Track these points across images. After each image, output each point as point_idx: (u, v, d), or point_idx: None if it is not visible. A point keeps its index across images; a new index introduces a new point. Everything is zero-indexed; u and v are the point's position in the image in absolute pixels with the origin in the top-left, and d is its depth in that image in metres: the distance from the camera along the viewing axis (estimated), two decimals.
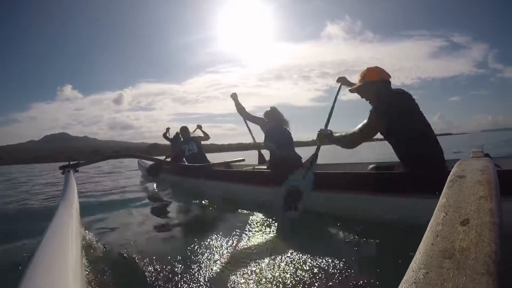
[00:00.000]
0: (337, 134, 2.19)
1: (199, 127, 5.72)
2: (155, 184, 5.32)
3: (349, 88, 2.26)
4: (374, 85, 2.05)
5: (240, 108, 3.52)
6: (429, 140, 1.96)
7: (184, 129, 5.15)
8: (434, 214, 0.54)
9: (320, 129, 2.30)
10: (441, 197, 0.61)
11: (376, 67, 2.12)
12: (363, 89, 2.12)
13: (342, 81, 2.73)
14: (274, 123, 3.22)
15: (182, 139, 5.12)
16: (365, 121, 1.99)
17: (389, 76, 2.09)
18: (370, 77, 2.07)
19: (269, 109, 3.35)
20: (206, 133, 5.44)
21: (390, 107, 1.95)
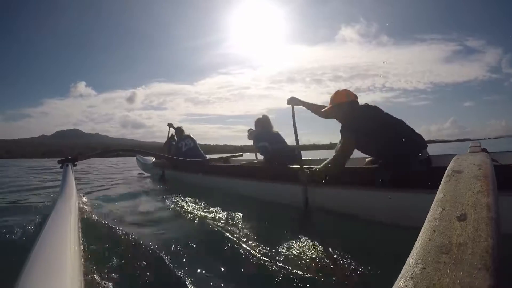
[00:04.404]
0: (319, 167, 2.19)
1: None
2: (153, 179, 5.32)
3: (321, 111, 2.40)
4: (341, 106, 2.22)
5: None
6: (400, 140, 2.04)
7: (180, 129, 5.39)
8: (431, 209, 0.54)
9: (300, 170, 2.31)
10: (438, 192, 0.61)
11: (344, 90, 2.28)
12: (331, 111, 2.29)
13: (292, 102, 2.64)
14: (260, 129, 3.37)
15: (176, 139, 5.29)
16: (340, 142, 2.11)
17: (355, 96, 2.25)
18: (338, 100, 2.24)
19: (261, 116, 3.46)
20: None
21: (356, 120, 2.11)
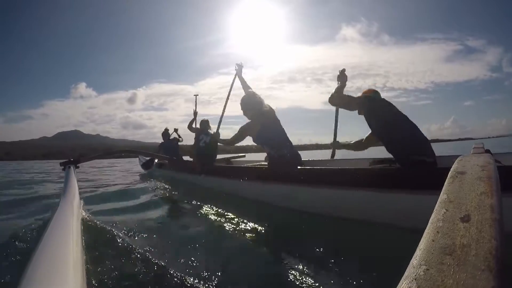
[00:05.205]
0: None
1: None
2: (155, 180, 5.33)
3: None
4: (358, 100, 2.40)
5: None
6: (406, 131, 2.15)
7: (206, 122, 5.03)
8: (434, 210, 0.54)
9: (331, 143, 3.34)
10: (441, 193, 0.61)
11: (367, 89, 2.50)
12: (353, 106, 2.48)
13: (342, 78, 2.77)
14: (262, 120, 2.95)
15: (201, 130, 4.88)
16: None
17: (371, 91, 2.44)
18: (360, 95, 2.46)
19: (245, 95, 3.04)
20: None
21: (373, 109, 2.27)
